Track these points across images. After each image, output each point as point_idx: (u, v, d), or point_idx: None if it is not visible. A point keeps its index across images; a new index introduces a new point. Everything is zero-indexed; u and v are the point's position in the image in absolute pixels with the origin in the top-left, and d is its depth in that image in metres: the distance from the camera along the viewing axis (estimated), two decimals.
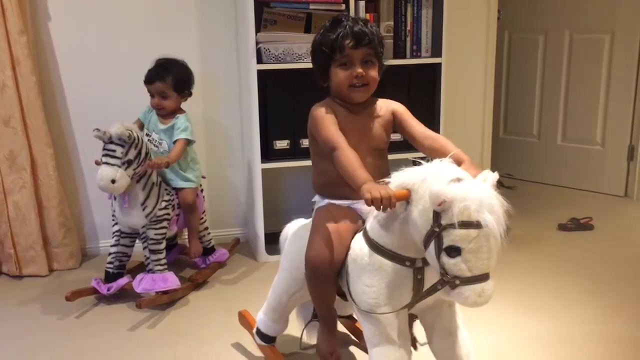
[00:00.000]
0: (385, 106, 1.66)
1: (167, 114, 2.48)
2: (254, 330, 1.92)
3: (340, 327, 2.08)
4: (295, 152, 2.74)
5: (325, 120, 1.57)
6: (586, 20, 3.69)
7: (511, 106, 4.16)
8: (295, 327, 1.95)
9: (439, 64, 2.81)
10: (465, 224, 1.22)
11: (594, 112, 3.73)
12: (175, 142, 2.44)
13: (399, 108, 1.67)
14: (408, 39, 2.82)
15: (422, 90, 2.85)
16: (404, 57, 2.83)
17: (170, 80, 2.44)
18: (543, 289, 2.45)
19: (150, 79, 2.44)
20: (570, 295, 2.39)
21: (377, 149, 1.64)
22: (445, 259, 1.25)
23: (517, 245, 2.89)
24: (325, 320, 1.64)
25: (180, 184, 2.49)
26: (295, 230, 1.77)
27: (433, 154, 1.52)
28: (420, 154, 1.51)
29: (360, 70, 1.57)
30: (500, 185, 1.33)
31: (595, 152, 3.78)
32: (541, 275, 2.58)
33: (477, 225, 1.22)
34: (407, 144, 1.68)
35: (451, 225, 1.22)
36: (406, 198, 1.34)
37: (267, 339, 1.88)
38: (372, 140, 1.62)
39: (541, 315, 2.22)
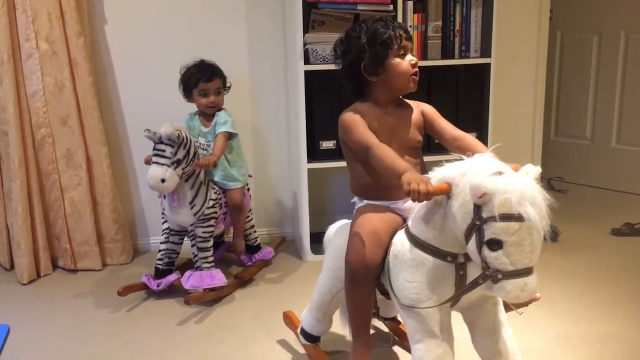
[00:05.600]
0: (415, 106, 1.69)
1: (214, 112, 2.51)
2: (298, 330, 1.94)
3: (384, 328, 2.08)
4: (340, 153, 2.70)
5: (355, 123, 1.59)
6: None
7: (563, 108, 4.04)
8: (339, 327, 1.96)
9: (488, 64, 2.77)
10: (506, 217, 1.20)
11: None
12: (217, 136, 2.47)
13: (428, 109, 1.70)
14: (457, 39, 2.78)
15: (470, 91, 2.81)
16: (453, 57, 2.80)
17: (222, 76, 2.52)
18: (596, 295, 2.38)
19: (209, 76, 2.46)
20: (624, 301, 2.31)
21: (411, 147, 1.65)
22: (486, 252, 1.24)
23: (569, 251, 2.82)
24: (359, 336, 1.62)
25: (228, 184, 2.53)
26: (338, 230, 1.78)
27: (462, 153, 1.53)
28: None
29: (416, 58, 1.63)
30: (551, 188, 1.31)
31: None
32: (594, 282, 2.50)
33: (518, 217, 1.20)
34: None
35: (492, 218, 1.21)
36: (447, 192, 1.33)
37: (311, 339, 1.89)
38: (404, 138, 1.63)
39: (593, 320, 2.16)
